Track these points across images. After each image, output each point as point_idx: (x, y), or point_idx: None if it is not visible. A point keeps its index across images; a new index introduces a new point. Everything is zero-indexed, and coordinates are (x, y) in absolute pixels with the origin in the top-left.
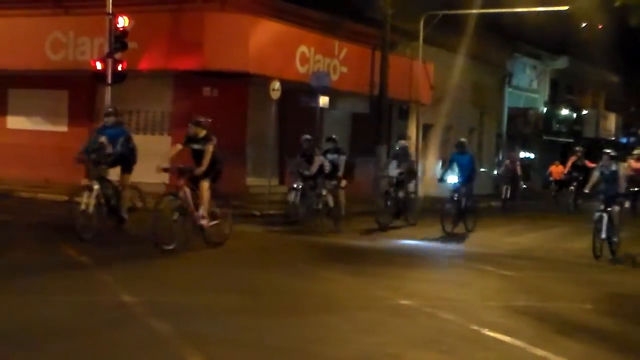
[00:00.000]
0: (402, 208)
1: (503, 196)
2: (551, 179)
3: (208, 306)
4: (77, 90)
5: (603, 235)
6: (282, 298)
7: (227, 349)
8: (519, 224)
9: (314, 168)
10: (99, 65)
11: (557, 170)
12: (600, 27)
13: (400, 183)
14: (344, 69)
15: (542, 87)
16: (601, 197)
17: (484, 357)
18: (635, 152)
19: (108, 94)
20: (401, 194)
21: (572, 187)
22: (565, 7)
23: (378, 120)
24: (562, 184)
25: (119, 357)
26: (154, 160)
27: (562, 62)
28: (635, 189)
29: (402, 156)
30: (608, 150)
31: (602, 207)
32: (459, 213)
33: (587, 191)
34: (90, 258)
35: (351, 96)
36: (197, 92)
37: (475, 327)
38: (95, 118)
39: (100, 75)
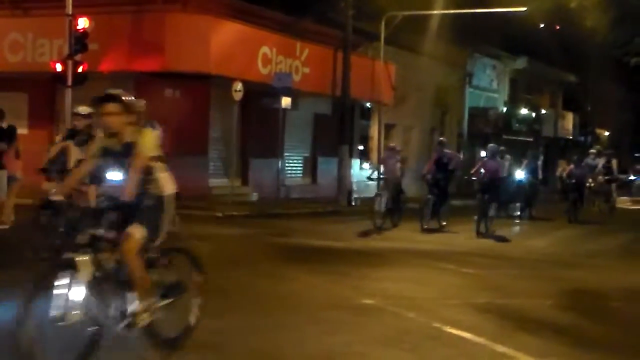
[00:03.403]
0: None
1: (377, 208)
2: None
3: None
4: (37, 92)
5: None
6: (249, 298)
7: (191, 351)
8: None
9: None
10: (59, 67)
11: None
12: (557, 28)
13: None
14: (306, 70)
15: (501, 87)
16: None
17: (445, 354)
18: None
19: (68, 96)
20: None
21: (429, 196)
22: (524, 9)
23: (340, 121)
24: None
25: None
26: None
27: (521, 63)
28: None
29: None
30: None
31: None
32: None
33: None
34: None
35: (313, 97)
36: (158, 94)
37: (437, 325)
38: (56, 120)
39: (60, 77)
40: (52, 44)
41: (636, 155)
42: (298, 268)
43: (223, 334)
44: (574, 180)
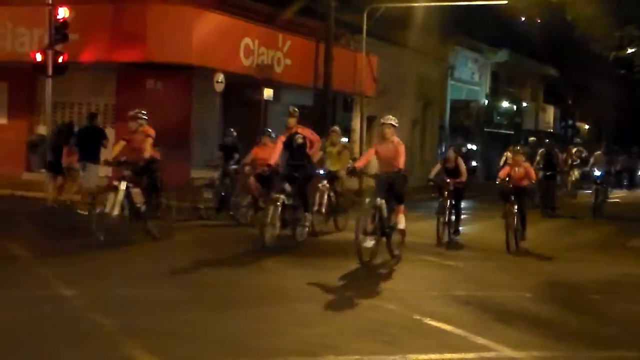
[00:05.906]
0: None
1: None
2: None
3: (150, 299)
4: (17, 82)
5: None
6: (224, 290)
7: (167, 342)
8: None
9: None
10: (39, 57)
11: None
12: (538, 21)
13: None
14: (288, 62)
15: (483, 80)
16: None
17: (425, 345)
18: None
19: (49, 86)
20: None
21: (276, 195)
22: (505, 1)
23: (322, 113)
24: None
25: (56, 352)
26: None
27: (502, 56)
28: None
29: None
30: None
31: None
32: None
33: None
34: (29, 252)
35: (295, 88)
36: (140, 85)
37: (417, 317)
38: (36, 110)
39: (40, 67)
40: (32, 33)
41: (615, 147)
42: (276, 259)
43: (195, 324)
44: (511, 185)
